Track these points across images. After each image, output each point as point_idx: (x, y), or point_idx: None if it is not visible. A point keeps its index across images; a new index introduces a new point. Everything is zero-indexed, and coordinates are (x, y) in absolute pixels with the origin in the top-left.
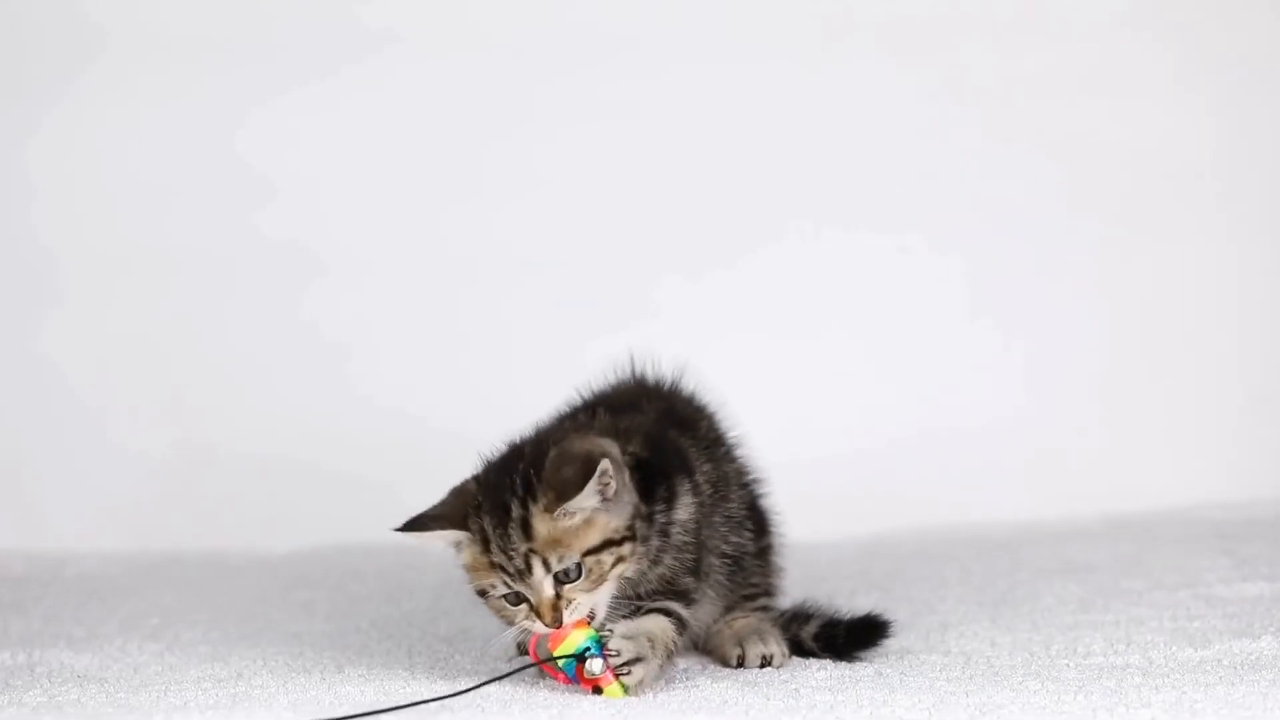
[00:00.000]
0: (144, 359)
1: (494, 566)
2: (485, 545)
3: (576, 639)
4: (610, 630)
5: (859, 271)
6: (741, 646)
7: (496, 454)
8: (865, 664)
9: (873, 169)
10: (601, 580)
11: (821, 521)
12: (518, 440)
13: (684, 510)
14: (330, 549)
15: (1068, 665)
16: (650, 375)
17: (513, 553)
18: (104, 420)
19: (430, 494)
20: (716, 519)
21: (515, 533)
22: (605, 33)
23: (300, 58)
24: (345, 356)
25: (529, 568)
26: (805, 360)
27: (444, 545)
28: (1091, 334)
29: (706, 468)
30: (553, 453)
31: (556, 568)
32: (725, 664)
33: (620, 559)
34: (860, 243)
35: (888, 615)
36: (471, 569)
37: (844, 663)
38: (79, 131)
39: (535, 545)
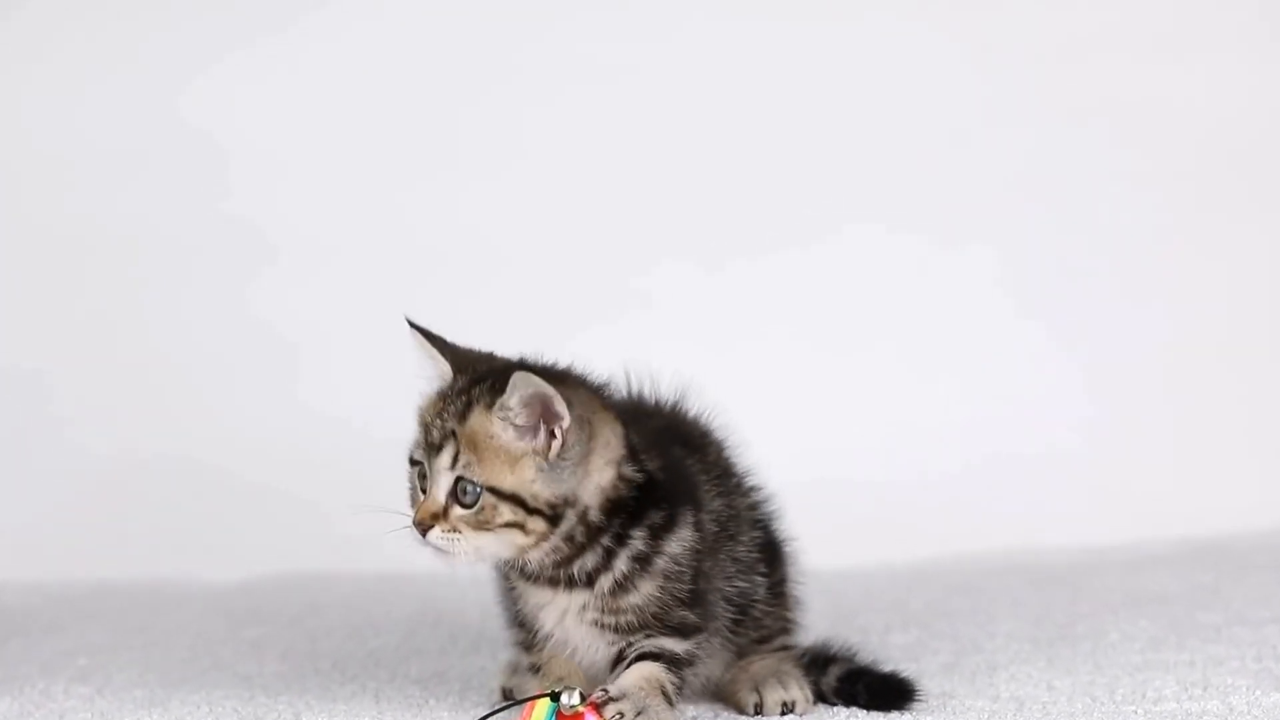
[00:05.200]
0: (69, 360)
1: (426, 424)
2: (440, 399)
3: (540, 714)
4: (604, 690)
5: (894, 265)
6: (759, 692)
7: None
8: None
9: (909, 145)
10: (485, 527)
11: (852, 547)
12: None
13: (677, 544)
14: (285, 578)
15: (1135, 712)
16: (649, 394)
17: (442, 421)
18: (22, 430)
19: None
20: (722, 558)
21: (456, 406)
22: None
23: (250, 10)
24: (299, 358)
25: (440, 447)
26: (832, 366)
27: (426, 368)
28: (1162, 333)
29: (717, 504)
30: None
31: (460, 470)
32: (742, 711)
33: (518, 526)
34: (895, 232)
35: (931, 651)
36: (420, 414)
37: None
38: (1, 95)
39: (460, 431)
